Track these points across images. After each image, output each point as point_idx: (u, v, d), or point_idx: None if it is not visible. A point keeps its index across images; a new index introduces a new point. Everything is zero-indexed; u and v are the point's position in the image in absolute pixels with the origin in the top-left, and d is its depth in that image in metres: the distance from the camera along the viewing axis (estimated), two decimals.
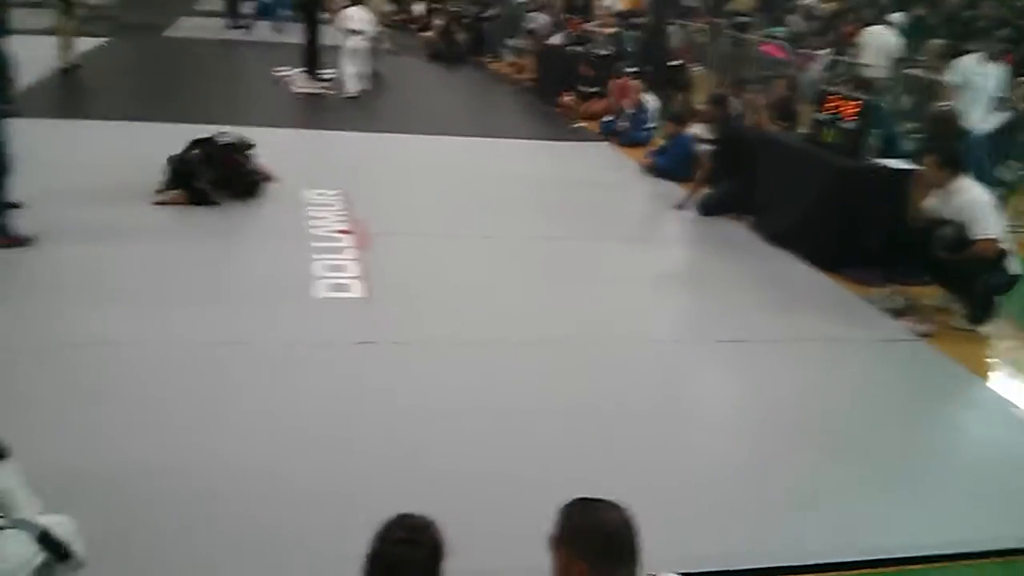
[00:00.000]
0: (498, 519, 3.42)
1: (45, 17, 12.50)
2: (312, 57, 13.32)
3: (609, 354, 5.09)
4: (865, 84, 9.31)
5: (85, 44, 13.29)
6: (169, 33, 18.07)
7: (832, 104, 7.16)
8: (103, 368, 4.42)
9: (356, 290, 5.63)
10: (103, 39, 15.06)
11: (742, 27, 15.49)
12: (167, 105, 10.59)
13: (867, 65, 11.18)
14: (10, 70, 5.86)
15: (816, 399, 4.80)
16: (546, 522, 2.10)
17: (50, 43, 11.96)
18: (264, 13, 19.36)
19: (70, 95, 11.41)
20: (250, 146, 7.31)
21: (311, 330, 5.02)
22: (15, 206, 5.85)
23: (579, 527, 2.05)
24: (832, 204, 6.85)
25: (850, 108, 6.97)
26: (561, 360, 4.95)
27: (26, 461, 2.64)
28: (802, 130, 8.39)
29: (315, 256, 6.08)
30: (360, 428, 4.07)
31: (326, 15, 13.98)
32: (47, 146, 7.32)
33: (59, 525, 2.52)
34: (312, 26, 13.40)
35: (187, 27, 19.04)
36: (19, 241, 5.74)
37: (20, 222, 5.83)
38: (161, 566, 3.06)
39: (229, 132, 7.37)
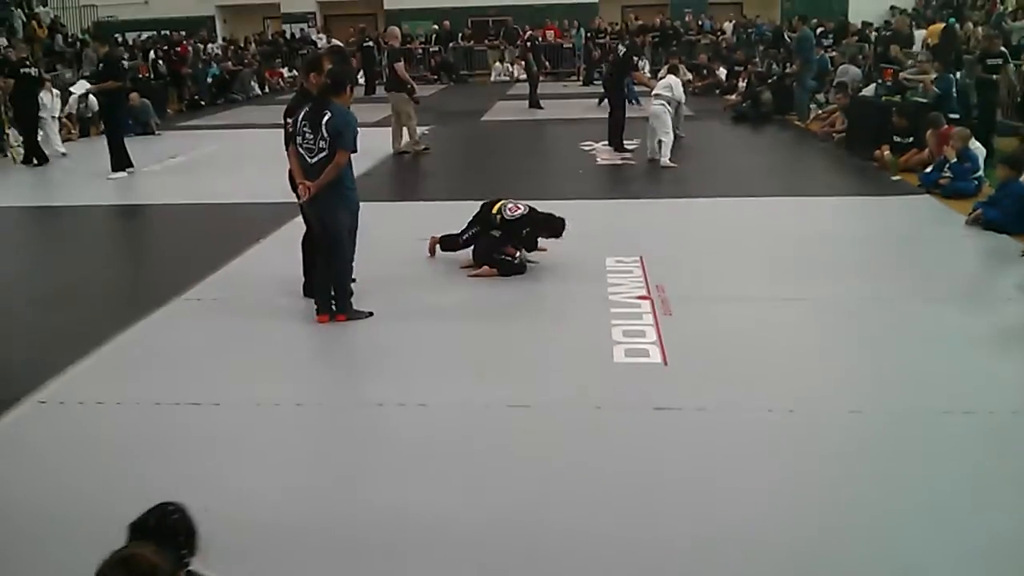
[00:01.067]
0: None
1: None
2: (616, 128, 13.70)
3: (936, 427, 4.64)
4: None
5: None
6: (487, 117, 19.44)
7: None
8: (416, 427, 4.79)
9: (655, 355, 5.62)
10: (426, 127, 16.54)
11: None
12: (483, 183, 11.32)
13: None
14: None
15: None
16: None
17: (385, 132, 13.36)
18: None
19: (393, 179, 12.56)
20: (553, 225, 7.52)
21: (610, 394, 5.08)
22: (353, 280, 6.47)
23: None
24: None
25: None
26: (883, 430, 4.59)
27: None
28: None
29: (614, 321, 6.17)
30: (657, 493, 4.02)
31: (635, 87, 14.33)
32: (377, 226, 8.12)
33: None
34: (616, 98, 13.83)
35: (502, 109, 20.41)
36: (362, 315, 6.32)
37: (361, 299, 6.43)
38: None
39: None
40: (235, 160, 14.07)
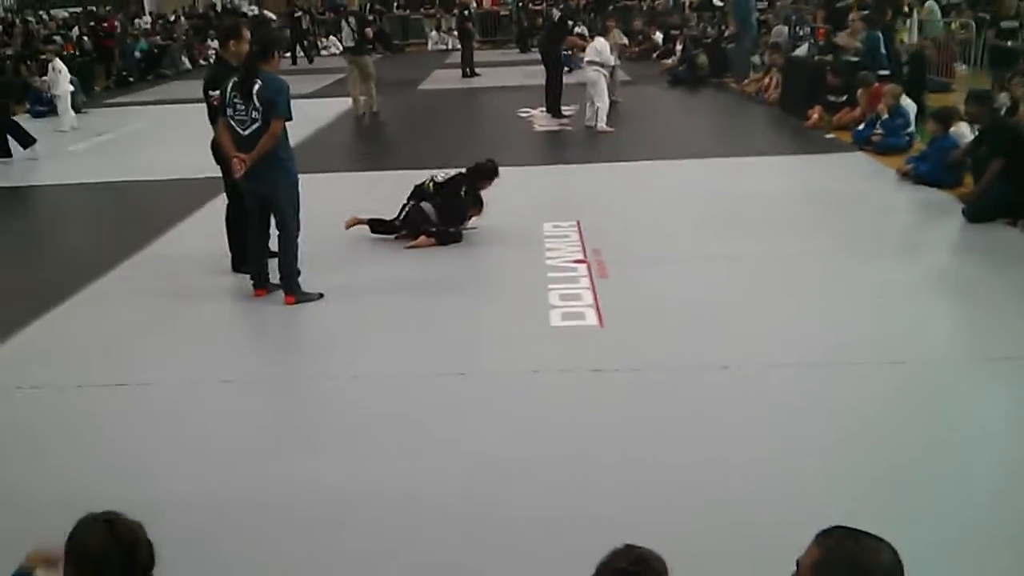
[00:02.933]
0: (744, 545, 3.23)
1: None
2: (553, 95, 13.61)
3: (868, 377, 4.69)
4: None
5: (343, 104, 14.51)
6: (425, 86, 19.19)
7: None
8: (354, 397, 4.72)
9: (591, 318, 5.60)
10: (361, 97, 16.23)
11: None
12: (421, 153, 11.11)
13: None
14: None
15: None
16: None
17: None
18: None
19: (329, 150, 12.32)
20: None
21: (547, 358, 5.04)
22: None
23: (842, 559, 1.84)
24: None
25: None
26: (813, 384, 4.63)
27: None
28: None
29: (551, 286, 6.13)
30: (597, 454, 4.01)
31: (567, 52, 14.28)
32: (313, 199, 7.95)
33: None
34: (551, 65, 13.73)
35: (440, 78, 20.17)
36: (312, 297, 6.09)
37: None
38: None
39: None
40: (163, 136, 13.68)
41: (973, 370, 4.82)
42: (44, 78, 15.40)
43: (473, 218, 7.49)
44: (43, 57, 16.48)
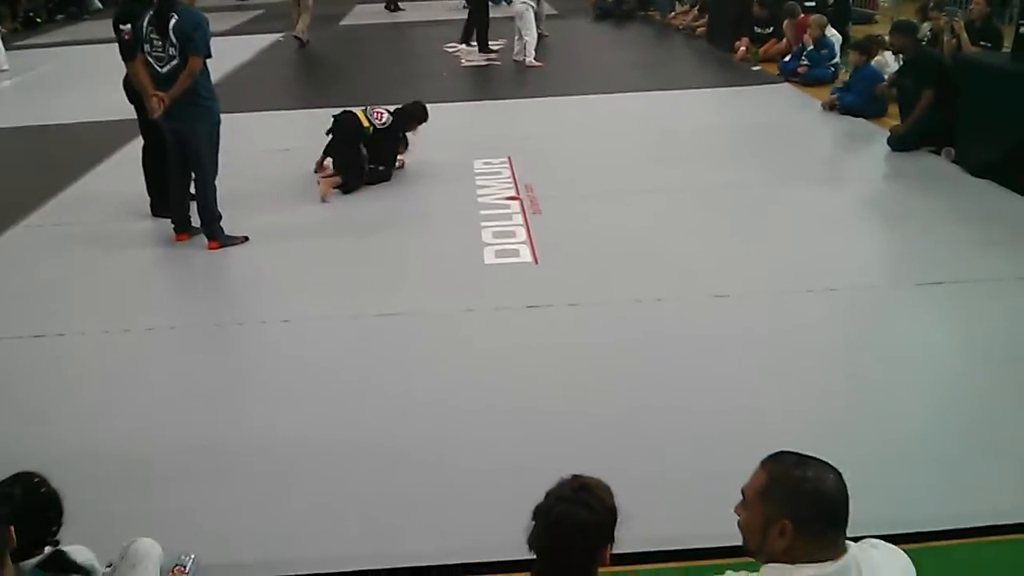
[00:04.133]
0: (684, 482, 3.25)
1: None
2: (480, 29, 13.34)
3: (802, 304, 4.74)
4: None
5: (264, 40, 14.00)
6: (346, 22, 18.64)
7: None
8: (285, 341, 4.60)
9: (525, 255, 5.54)
10: (280, 34, 15.76)
11: None
12: (343, 91, 10.85)
13: None
14: None
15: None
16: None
17: None
18: None
19: (249, 88, 11.93)
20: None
21: (482, 296, 4.99)
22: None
23: (789, 484, 1.83)
24: None
25: None
26: (750, 313, 4.65)
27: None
28: (1007, 49, 7.57)
29: (484, 223, 6.05)
30: (538, 389, 3.99)
31: None
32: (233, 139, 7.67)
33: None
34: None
35: (362, 14, 19.60)
36: (236, 241, 5.90)
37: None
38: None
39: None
40: (74, 78, 13.03)
41: (904, 296, 4.90)
42: None
43: (399, 157, 7.33)
44: None
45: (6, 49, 14.26)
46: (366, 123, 7.02)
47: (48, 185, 7.30)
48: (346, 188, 6.85)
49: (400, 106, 7.33)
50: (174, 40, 5.43)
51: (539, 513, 2.02)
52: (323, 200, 6.67)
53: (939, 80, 7.30)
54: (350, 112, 7.14)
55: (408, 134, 7.30)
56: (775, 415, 3.69)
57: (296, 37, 14.71)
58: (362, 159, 6.98)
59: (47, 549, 2.42)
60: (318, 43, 15.06)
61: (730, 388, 3.93)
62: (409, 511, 3.21)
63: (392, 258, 5.67)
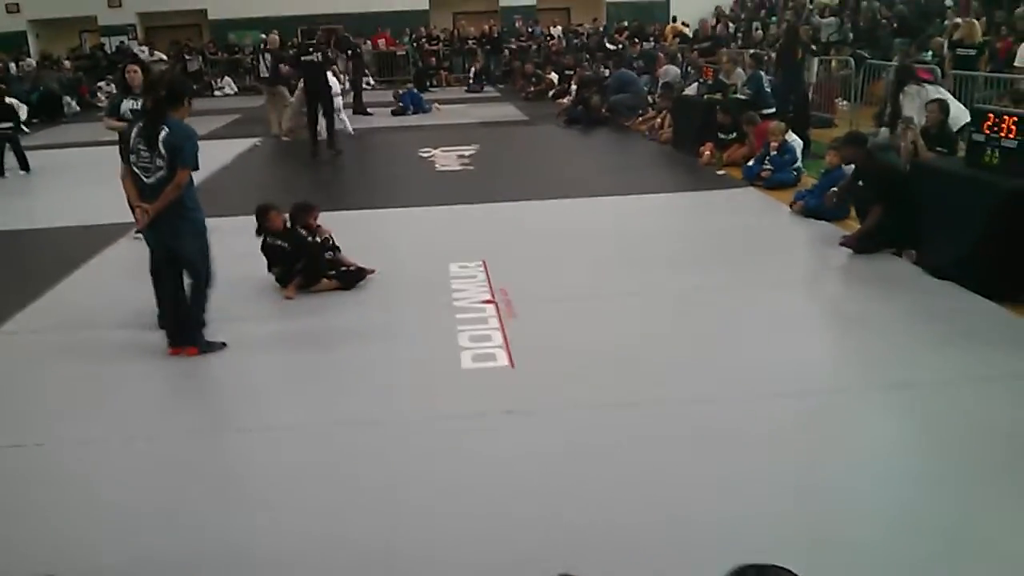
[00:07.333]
0: None
1: None
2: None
3: (770, 409, 4.83)
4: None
5: (243, 144, 14.22)
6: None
7: (991, 123, 6.71)
8: (262, 450, 4.60)
9: (502, 359, 5.62)
10: (257, 139, 16.06)
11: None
12: (317, 194, 10.96)
13: None
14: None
15: (1002, 443, 4.38)
16: None
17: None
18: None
19: (226, 192, 12.09)
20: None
21: (460, 402, 5.04)
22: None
23: None
24: (1004, 228, 6.38)
25: (1010, 125, 6.51)
26: (719, 419, 4.73)
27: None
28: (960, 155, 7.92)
29: (460, 328, 6.14)
30: (517, 496, 4.01)
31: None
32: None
33: None
34: None
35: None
36: (215, 347, 5.93)
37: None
38: None
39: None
40: (52, 182, 13.17)
41: (868, 398, 5.01)
42: None
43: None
44: None
45: None
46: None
47: (25, 291, 7.30)
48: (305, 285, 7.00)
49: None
50: (163, 152, 5.53)
51: None
52: (287, 297, 6.89)
53: (890, 189, 7.59)
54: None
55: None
56: (746, 522, 3.74)
57: (282, 138, 15.71)
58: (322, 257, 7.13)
59: None
60: (292, 148, 15.34)
61: (704, 494, 3.98)
62: None
63: (368, 364, 5.70)
